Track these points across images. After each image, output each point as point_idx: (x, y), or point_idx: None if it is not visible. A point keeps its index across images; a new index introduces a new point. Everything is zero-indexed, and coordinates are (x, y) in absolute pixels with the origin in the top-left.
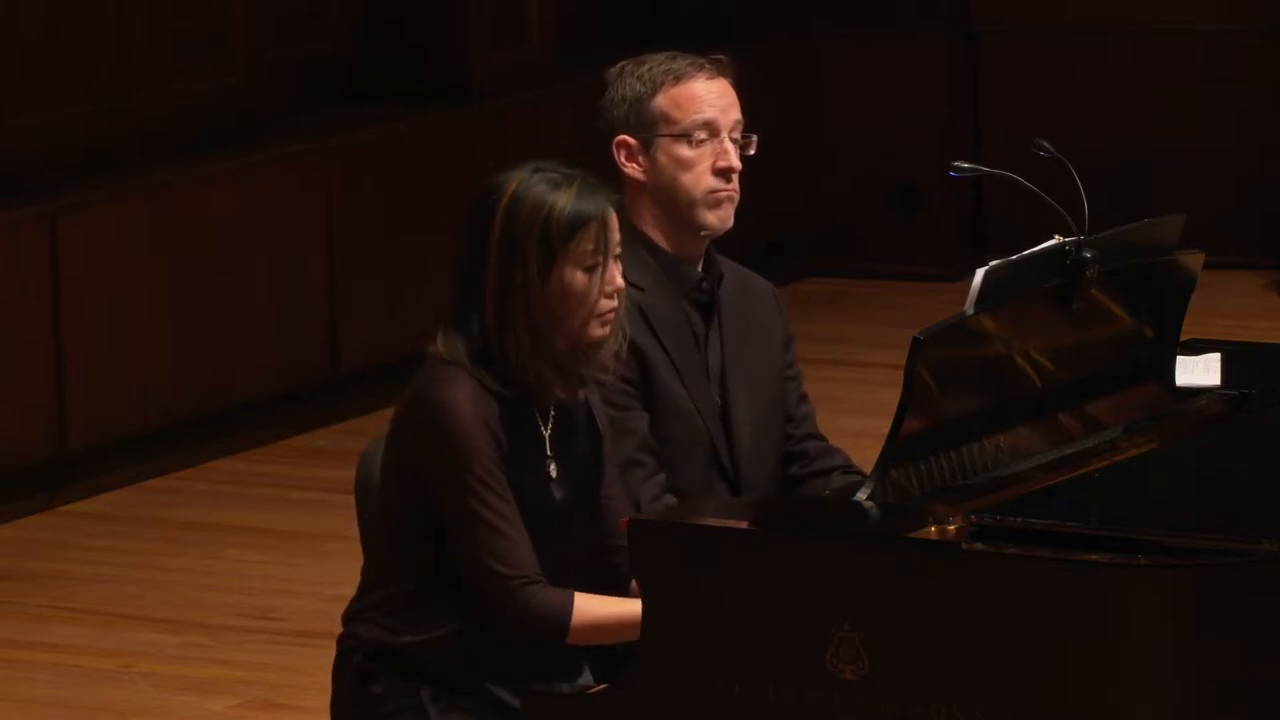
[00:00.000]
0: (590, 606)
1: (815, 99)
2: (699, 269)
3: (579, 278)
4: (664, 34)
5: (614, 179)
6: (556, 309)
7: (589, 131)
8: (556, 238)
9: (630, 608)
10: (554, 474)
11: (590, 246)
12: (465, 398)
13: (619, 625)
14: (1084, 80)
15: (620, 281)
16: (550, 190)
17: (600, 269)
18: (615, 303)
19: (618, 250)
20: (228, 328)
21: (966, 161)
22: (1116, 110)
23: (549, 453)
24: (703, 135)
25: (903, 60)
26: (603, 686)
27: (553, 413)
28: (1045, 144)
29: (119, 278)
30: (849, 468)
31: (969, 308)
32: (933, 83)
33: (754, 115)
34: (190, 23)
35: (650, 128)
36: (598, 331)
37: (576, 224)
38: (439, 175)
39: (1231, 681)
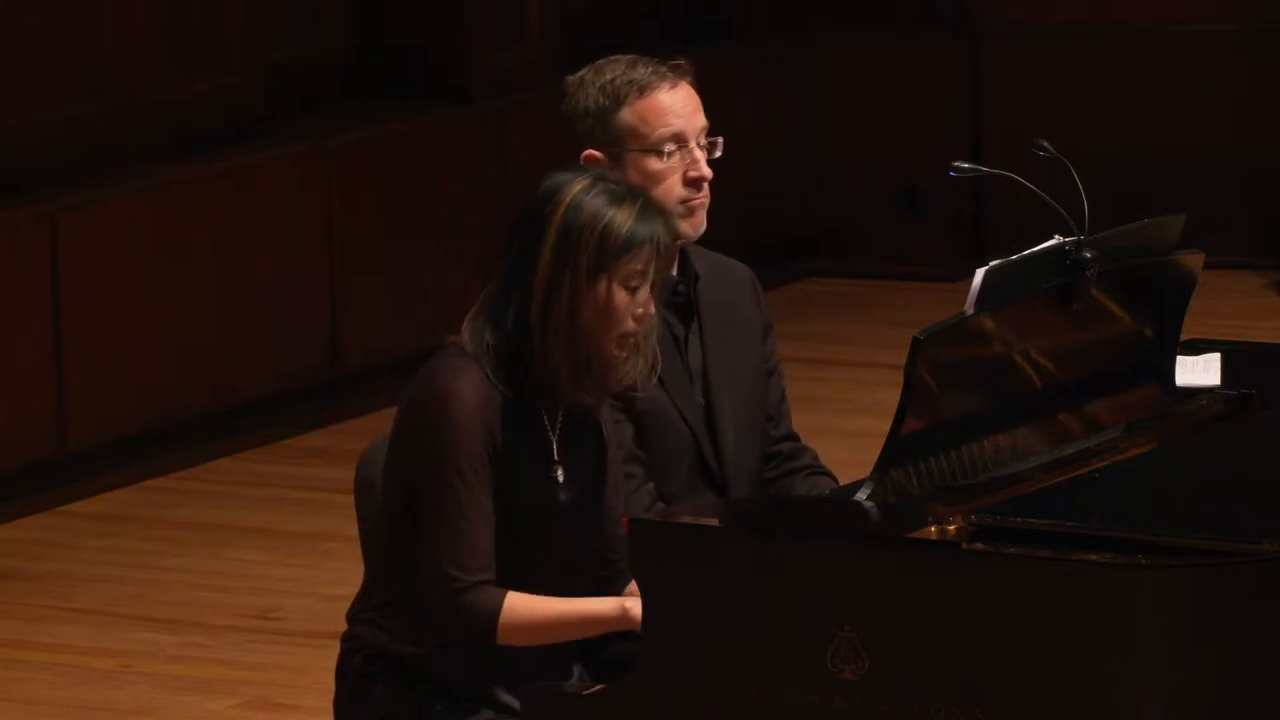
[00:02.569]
0: (521, 606)
1: (815, 99)
2: (674, 271)
3: (621, 296)
4: (664, 34)
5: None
6: (590, 320)
7: None
8: (610, 251)
9: (564, 608)
10: (560, 479)
11: (639, 268)
12: (469, 387)
13: (552, 625)
14: (1084, 80)
15: (652, 309)
16: (611, 203)
17: (639, 291)
18: (638, 327)
19: (652, 277)
20: (228, 328)
21: (966, 161)
22: (1116, 110)
23: (556, 457)
24: (672, 147)
25: (903, 60)
26: (602, 687)
27: (560, 418)
28: (1045, 144)
29: (119, 278)
30: (816, 467)
31: (969, 308)
32: (933, 83)
33: (754, 115)
34: (190, 23)
35: (618, 142)
36: (615, 351)
37: (632, 243)
38: (439, 175)
39: (1231, 681)
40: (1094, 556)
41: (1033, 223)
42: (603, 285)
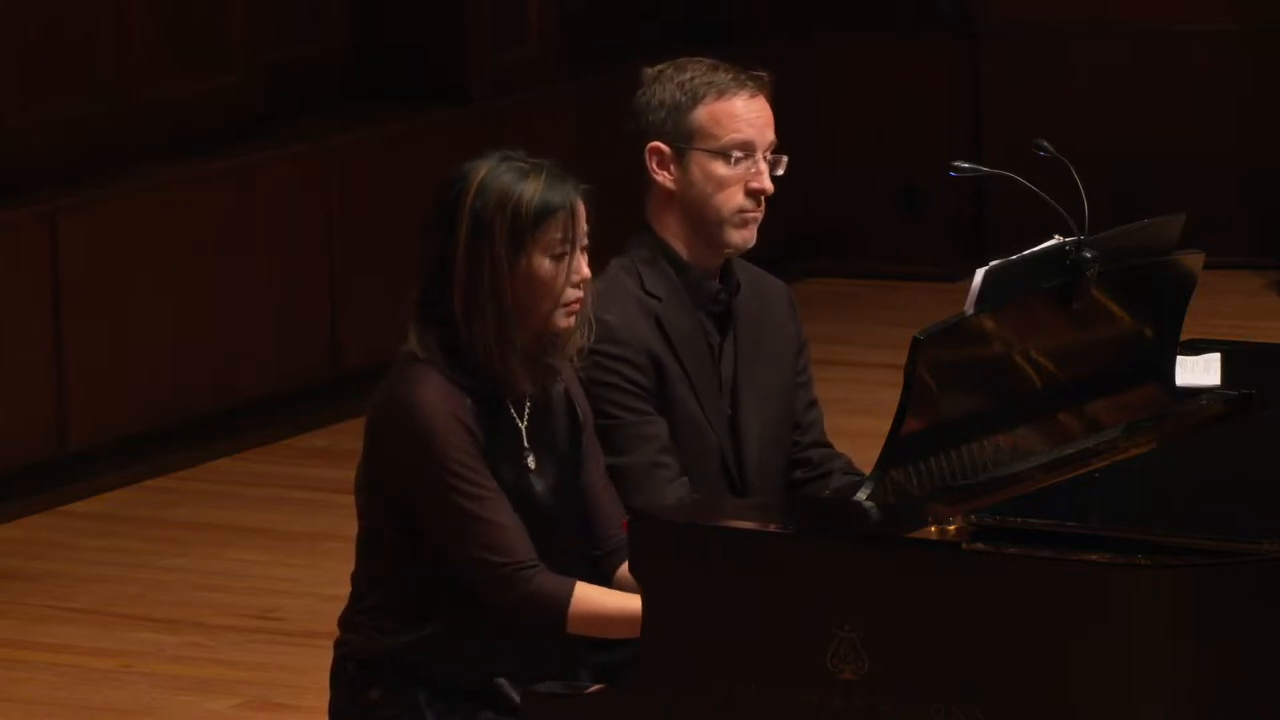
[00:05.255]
0: (591, 595)
1: (815, 99)
2: (717, 280)
3: (546, 265)
4: (664, 35)
5: (640, 180)
6: (523, 297)
7: (589, 132)
8: (524, 225)
9: (633, 603)
10: (533, 465)
11: (558, 235)
12: (434, 394)
13: (619, 618)
14: (1084, 80)
15: (586, 272)
16: (518, 179)
17: (568, 258)
18: (581, 293)
19: (585, 241)
20: (228, 328)
21: (966, 161)
22: (1116, 110)
23: (526, 445)
24: (739, 154)
25: (903, 60)
26: (602, 686)
27: (528, 404)
28: (1045, 144)
29: (119, 278)
30: (849, 469)
31: (969, 308)
32: (933, 83)
33: None
34: (190, 23)
35: (687, 139)
36: (563, 322)
37: (544, 213)
38: (439, 175)
39: (1231, 681)
40: (1094, 556)
41: (1033, 223)
42: (524, 261)
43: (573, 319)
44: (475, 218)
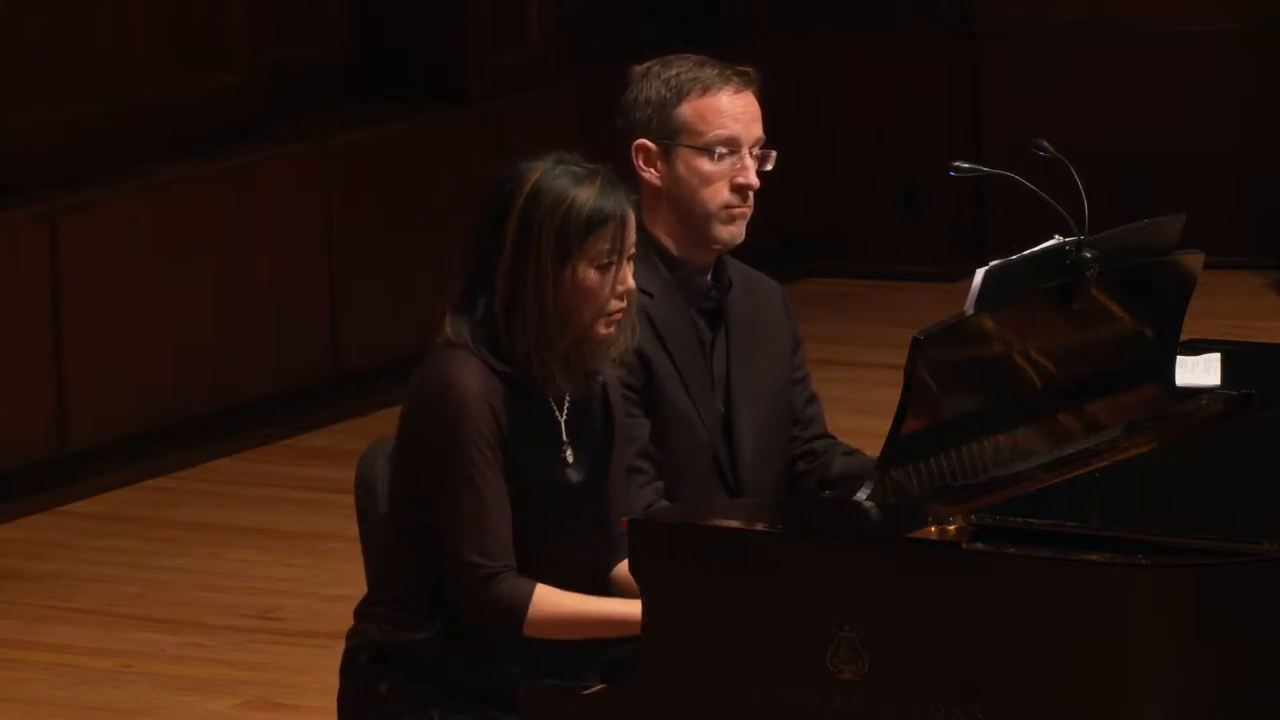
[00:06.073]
0: (551, 600)
1: (815, 99)
2: (709, 277)
3: (592, 276)
4: (664, 35)
5: (629, 176)
6: (566, 304)
7: (589, 132)
8: (574, 234)
9: (595, 606)
10: (570, 459)
11: (606, 246)
12: (472, 376)
13: (580, 622)
14: (1084, 80)
15: (631, 283)
16: (572, 184)
17: (614, 268)
18: (624, 304)
19: (632, 251)
20: (228, 328)
21: (966, 161)
22: (1116, 110)
23: (565, 438)
24: (724, 150)
25: (903, 60)
26: (602, 686)
27: (567, 398)
28: (1045, 144)
29: (119, 278)
30: (849, 450)
31: (969, 308)
32: (933, 83)
33: None
34: (190, 23)
35: (672, 136)
36: (603, 330)
37: (595, 222)
38: (439, 175)
39: (1231, 681)
40: (1094, 556)
41: (1033, 223)
42: (569, 271)
43: (613, 328)
44: (524, 221)
